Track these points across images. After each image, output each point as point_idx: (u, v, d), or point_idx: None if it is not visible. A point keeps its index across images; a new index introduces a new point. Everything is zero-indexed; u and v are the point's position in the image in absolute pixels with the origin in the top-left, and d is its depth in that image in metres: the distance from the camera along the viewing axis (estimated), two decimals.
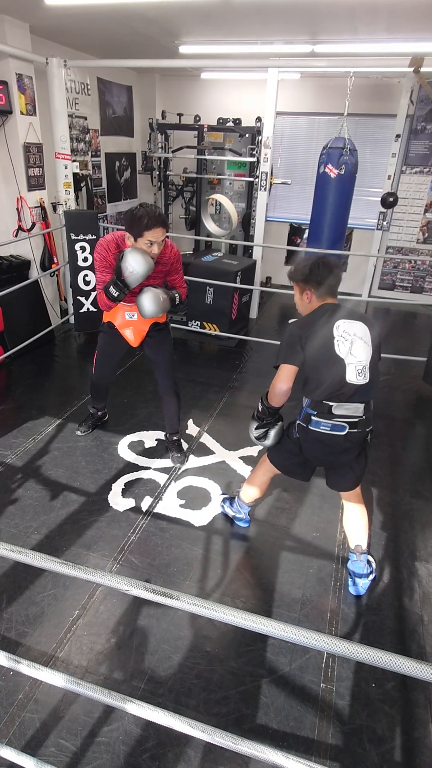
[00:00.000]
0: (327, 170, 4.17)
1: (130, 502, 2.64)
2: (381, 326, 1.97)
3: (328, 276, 1.89)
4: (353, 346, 1.83)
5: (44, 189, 4.46)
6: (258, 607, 2.11)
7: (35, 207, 4.37)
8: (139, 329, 2.74)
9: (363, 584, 2.18)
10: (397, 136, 5.61)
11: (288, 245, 6.72)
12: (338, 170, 4.12)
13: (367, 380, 1.85)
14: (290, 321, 2.03)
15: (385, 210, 5.83)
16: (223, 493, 2.75)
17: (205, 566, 2.28)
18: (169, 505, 2.64)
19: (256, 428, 2.10)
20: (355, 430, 1.89)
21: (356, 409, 1.87)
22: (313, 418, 1.91)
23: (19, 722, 1.63)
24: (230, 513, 2.55)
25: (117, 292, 2.37)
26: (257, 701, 1.74)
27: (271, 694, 1.76)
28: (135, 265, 2.26)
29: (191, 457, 3.06)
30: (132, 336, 2.74)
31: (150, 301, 2.42)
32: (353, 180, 4.25)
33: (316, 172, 4.37)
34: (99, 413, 3.27)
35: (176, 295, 2.58)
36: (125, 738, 1.60)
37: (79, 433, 3.20)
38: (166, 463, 2.99)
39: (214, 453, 3.12)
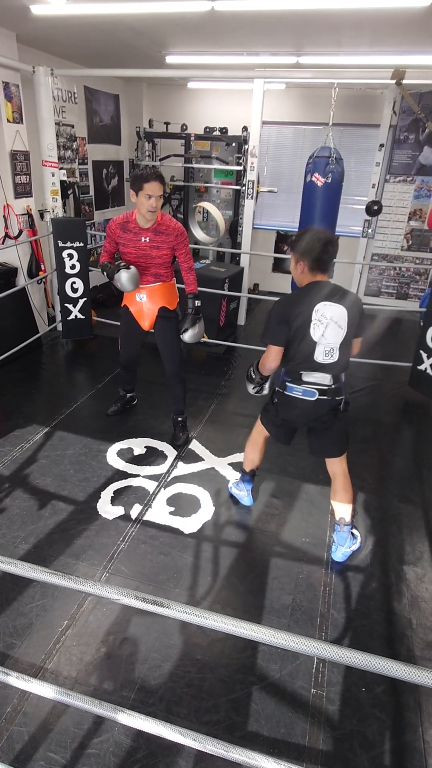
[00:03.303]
0: (314, 179, 4.22)
1: (119, 510, 2.63)
2: (359, 308, 2.11)
3: (322, 253, 2.04)
4: (327, 329, 2.04)
5: (31, 196, 4.45)
6: (248, 613, 2.11)
7: (22, 214, 4.36)
8: (148, 312, 3.03)
9: (343, 552, 2.38)
10: (381, 145, 5.71)
11: (275, 252, 6.77)
12: (325, 179, 4.17)
13: (335, 360, 2.08)
14: (277, 300, 2.19)
15: (369, 218, 5.93)
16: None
17: (195, 574, 2.28)
18: (159, 513, 2.63)
19: (252, 388, 2.37)
20: (325, 397, 2.14)
21: (323, 378, 2.12)
22: (287, 384, 2.18)
23: (8, 736, 1.61)
24: (234, 491, 2.76)
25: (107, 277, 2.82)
26: (248, 708, 1.74)
27: (262, 701, 1.76)
28: (124, 283, 2.73)
29: (180, 464, 3.06)
30: (142, 319, 3.05)
31: (193, 336, 3.03)
32: (340, 188, 4.31)
33: (302, 181, 4.43)
34: (127, 395, 3.55)
35: (198, 313, 3.03)
36: (115, 749, 1.59)
37: (109, 412, 3.49)
38: (156, 470, 2.99)
39: (203, 460, 3.12)
